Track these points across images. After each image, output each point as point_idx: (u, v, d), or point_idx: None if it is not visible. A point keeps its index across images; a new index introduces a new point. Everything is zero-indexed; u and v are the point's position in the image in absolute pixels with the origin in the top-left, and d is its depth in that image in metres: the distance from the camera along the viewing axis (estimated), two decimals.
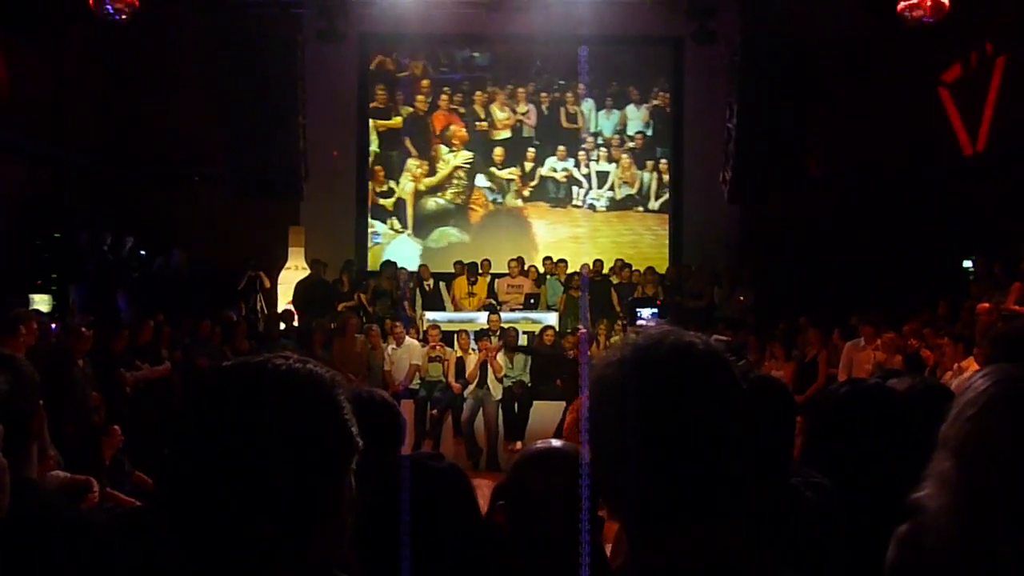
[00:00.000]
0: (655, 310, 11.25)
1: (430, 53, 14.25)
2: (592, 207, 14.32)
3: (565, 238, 14.21)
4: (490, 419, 9.73)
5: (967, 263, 11.10)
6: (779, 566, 1.11)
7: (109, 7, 9.96)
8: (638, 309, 11.27)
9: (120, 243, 12.00)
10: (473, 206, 14.30)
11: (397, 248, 14.11)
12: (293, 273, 12.75)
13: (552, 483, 1.60)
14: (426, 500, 1.68)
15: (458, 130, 14.27)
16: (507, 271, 12.41)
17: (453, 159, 14.27)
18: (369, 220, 14.23)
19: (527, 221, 14.32)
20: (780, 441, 1.91)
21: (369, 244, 14.21)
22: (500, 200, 14.34)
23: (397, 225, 14.26)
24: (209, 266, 12.78)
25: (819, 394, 1.82)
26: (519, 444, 9.58)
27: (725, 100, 12.44)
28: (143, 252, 12.35)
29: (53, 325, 7.36)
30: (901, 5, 10.01)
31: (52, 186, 12.13)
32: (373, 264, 13.55)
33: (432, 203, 14.30)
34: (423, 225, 14.31)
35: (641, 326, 10.58)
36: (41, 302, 10.63)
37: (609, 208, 14.37)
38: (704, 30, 12.22)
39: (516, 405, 9.79)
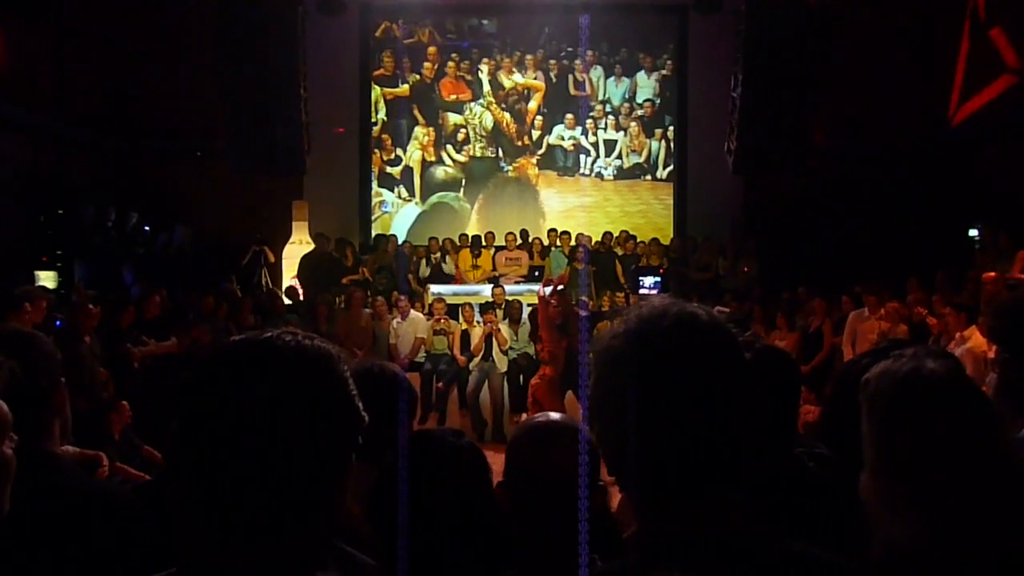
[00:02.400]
0: (658, 279, 11.28)
1: (437, 20, 14.15)
2: (600, 176, 14.31)
3: (574, 207, 14.22)
4: (495, 391, 9.78)
5: (973, 232, 11.05)
6: (782, 536, 1.13)
7: None
8: (641, 278, 11.29)
9: (125, 219, 12.01)
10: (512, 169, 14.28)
11: (405, 216, 14.12)
12: (297, 247, 12.77)
13: (549, 456, 1.59)
14: (444, 476, 1.69)
15: (463, 98, 14.26)
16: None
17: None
18: (377, 189, 14.26)
19: (535, 189, 14.30)
20: (783, 412, 1.91)
21: (377, 213, 14.24)
22: (506, 168, 14.32)
23: (405, 193, 14.27)
24: (213, 241, 12.80)
25: (842, 367, 1.81)
26: (524, 416, 9.63)
27: (730, 70, 12.35)
28: (147, 228, 12.36)
29: (58, 322, 7.36)
30: None
31: (56, 162, 12.11)
32: (384, 231, 13.60)
33: (440, 172, 14.28)
34: (430, 193, 14.32)
35: (644, 296, 10.59)
36: (47, 279, 10.66)
37: (617, 177, 14.34)
38: (707, 0, 12.10)
39: (521, 377, 9.82)
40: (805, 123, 12.12)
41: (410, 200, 14.28)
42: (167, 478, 2.33)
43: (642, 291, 10.96)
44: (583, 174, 14.31)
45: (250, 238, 12.39)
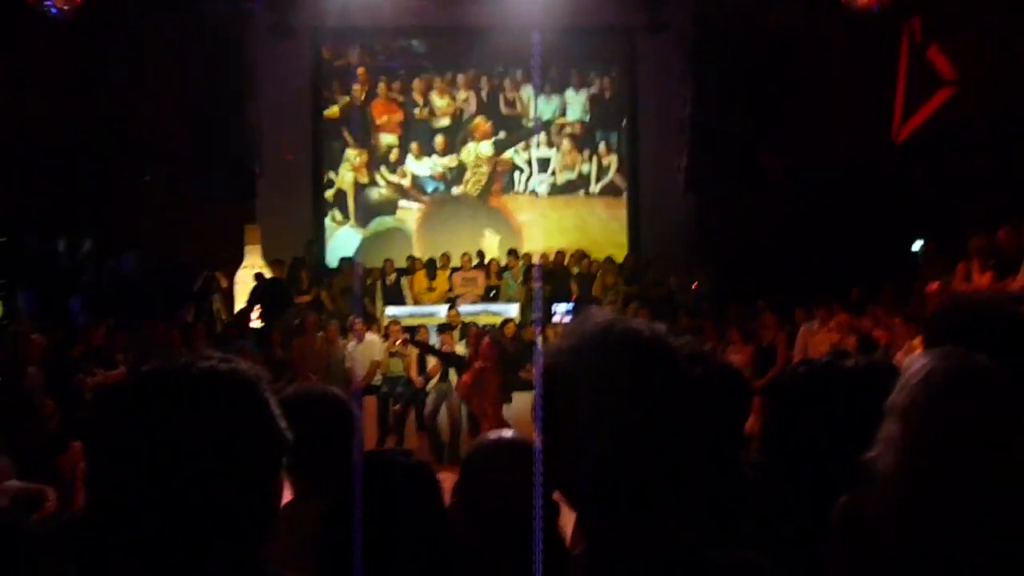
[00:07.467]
0: (570, 306, 11.42)
1: (367, 43, 13.98)
2: (534, 192, 14.32)
3: (511, 224, 14.17)
4: (453, 413, 9.72)
5: (916, 245, 11.33)
6: (727, 546, 1.13)
7: (50, 4, 9.70)
8: (554, 306, 11.44)
9: (77, 246, 11.75)
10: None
11: (341, 240, 13.94)
12: (249, 272, 12.60)
13: (502, 474, 1.59)
14: (393, 496, 1.68)
15: (394, 117, 14.09)
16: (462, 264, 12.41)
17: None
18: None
19: (479, 209, 14.24)
20: (730, 427, 1.94)
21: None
22: (441, 189, 14.23)
23: (339, 216, 14.08)
24: (164, 267, 12.57)
25: (779, 376, 1.85)
26: None
27: (680, 89, 12.54)
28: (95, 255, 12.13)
29: None
30: None
31: None
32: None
33: (375, 193, 14.08)
34: (366, 215, 14.06)
35: (556, 323, 10.78)
36: None
37: (551, 193, 14.30)
38: (655, 20, 12.31)
39: None
40: (753, 142, 12.36)
41: (345, 223, 14.07)
42: (89, 512, 2.27)
43: (555, 319, 11.07)
44: (517, 192, 14.31)
45: (201, 263, 12.20)
